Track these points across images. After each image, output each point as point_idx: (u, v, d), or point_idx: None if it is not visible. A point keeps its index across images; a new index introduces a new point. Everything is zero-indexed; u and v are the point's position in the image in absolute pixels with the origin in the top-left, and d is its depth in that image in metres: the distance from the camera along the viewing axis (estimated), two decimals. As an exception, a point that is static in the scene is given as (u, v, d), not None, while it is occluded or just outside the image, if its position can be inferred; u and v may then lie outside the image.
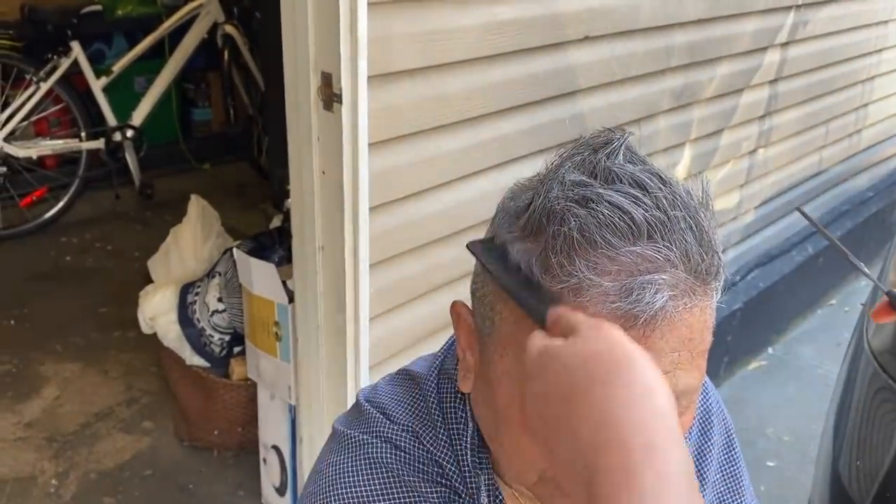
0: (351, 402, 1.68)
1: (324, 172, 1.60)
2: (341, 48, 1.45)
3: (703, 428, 0.82)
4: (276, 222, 2.31)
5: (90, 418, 2.59)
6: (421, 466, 0.67)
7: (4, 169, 3.57)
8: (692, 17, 2.27)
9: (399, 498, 0.66)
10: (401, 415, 0.70)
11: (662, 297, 0.56)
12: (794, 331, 3.28)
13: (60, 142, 3.78)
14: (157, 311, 2.43)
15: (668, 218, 0.57)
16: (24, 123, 3.62)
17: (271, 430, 2.16)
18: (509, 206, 0.62)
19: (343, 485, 0.67)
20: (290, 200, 1.79)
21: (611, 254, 0.56)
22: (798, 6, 2.74)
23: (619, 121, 2.15)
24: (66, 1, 3.68)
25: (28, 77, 3.56)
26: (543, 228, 0.58)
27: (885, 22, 3.39)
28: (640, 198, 0.57)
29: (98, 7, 3.79)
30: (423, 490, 0.66)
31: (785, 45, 2.76)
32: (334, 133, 1.53)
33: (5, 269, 3.41)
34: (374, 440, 0.69)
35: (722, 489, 0.83)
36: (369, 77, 1.50)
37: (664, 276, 0.56)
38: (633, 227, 0.56)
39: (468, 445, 0.68)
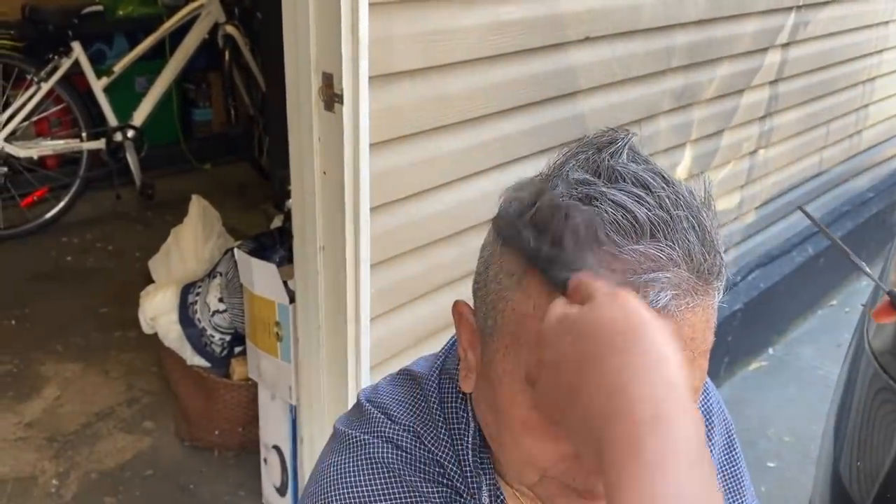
0: (352, 402, 1.68)
1: (325, 173, 1.60)
2: (342, 48, 1.45)
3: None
4: (276, 222, 2.31)
5: (91, 418, 2.59)
6: (422, 466, 0.68)
7: (5, 169, 3.57)
8: (693, 17, 2.27)
9: (400, 498, 0.66)
10: (402, 415, 0.71)
11: (666, 295, 0.56)
12: (794, 331, 3.28)
13: (61, 142, 3.78)
14: (157, 311, 2.44)
15: (671, 217, 0.57)
16: (25, 123, 3.62)
17: (272, 430, 2.17)
18: (513, 204, 0.62)
19: (344, 484, 0.67)
20: (290, 201, 1.80)
21: (614, 251, 0.56)
22: (798, 7, 2.74)
23: (620, 121, 2.15)
24: (67, 1, 3.68)
25: (29, 77, 3.57)
26: (549, 224, 0.58)
27: (886, 23, 3.39)
28: (644, 197, 0.57)
29: (99, 7, 3.79)
30: (425, 490, 0.66)
31: (785, 45, 2.76)
32: (335, 133, 1.53)
33: (6, 269, 3.41)
34: (376, 440, 0.69)
35: (723, 489, 0.83)
36: (370, 77, 1.50)
37: (667, 275, 0.56)
38: (637, 225, 0.56)
39: (469, 445, 0.68)
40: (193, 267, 2.53)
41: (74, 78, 3.69)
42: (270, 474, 2.22)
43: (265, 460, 2.23)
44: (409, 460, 0.68)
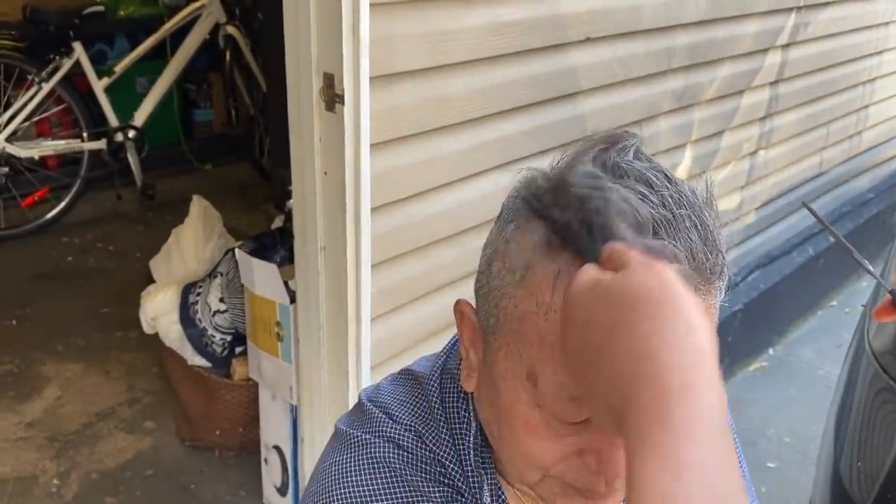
0: (352, 402, 1.68)
1: (326, 173, 1.60)
2: (343, 49, 1.46)
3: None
4: (277, 223, 2.31)
5: (92, 418, 2.60)
6: (424, 466, 0.68)
7: (6, 169, 3.58)
8: (693, 18, 2.27)
9: (402, 497, 0.66)
10: (403, 414, 0.71)
11: None
12: (794, 332, 3.29)
13: (62, 142, 3.78)
14: (158, 311, 2.44)
15: (674, 216, 0.58)
16: (27, 124, 3.62)
17: (273, 430, 2.17)
18: (538, 178, 0.62)
19: (346, 484, 0.67)
20: (291, 201, 1.80)
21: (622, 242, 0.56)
22: (799, 8, 2.75)
23: (621, 122, 2.15)
24: (68, 1, 3.68)
25: (30, 77, 3.57)
26: (578, 197, 0.58)
27: (886, 24, 3.40)
28: (647, 195, 0.58)
29: (100, 8, 3.80)
30: (426, 489, 0.67)
31: (786, 46, 2.76)
32: (336, 134, 1.53)
33: (7, 269, 3.42)
34: (377, 440, 0.69)
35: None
36: (371, 78, 1.50)
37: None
38: (640, 222, 0.56)
39: (471, 445, 0.68)
40: (194, 267, 2.54)
41: (75, 78, 3.70)
42: (271, 474, 2.22)
43: (266, 460, 2.23)
44: (410, 460, 0.68)
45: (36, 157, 3.68)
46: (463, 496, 0.67)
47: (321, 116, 1.56)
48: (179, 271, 2.55)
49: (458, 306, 0.68)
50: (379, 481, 0.66)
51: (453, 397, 0.70)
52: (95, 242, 3.68)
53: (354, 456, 0.68)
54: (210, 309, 2.35)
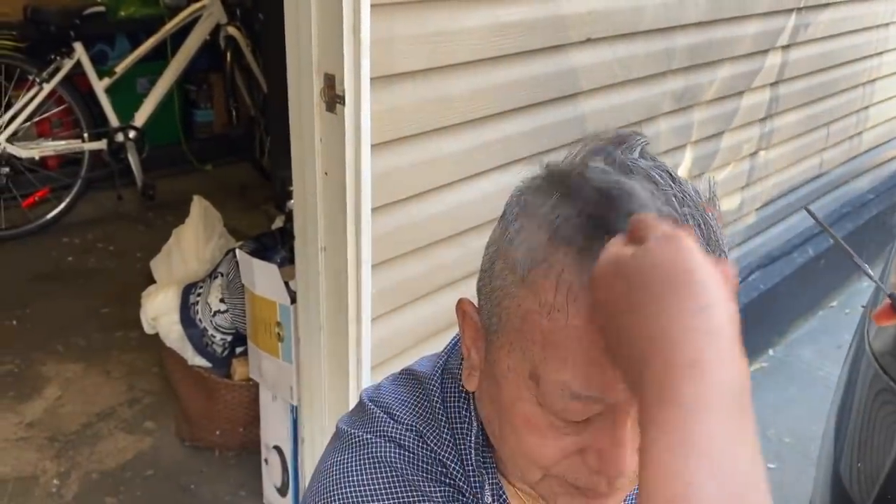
0: (353, 402, 1.68)
1: (326, 173, 1.60)
2: (344, 50, 1.46)
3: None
4: (278, 223, 2.31)
5: (92, 418, 2.60)
6: (425, 466, 0.68)
7: (7, 169, 3.58)
8: (693, 19, 2.27)
9: (403, 497, 0.66)
10: (405, 414, 0.71)
11: None
12: (795, 332, 3.29)
13: (63, 142, 3.78)
14: (159, 311, 2.44)
15: (678, 215, 0.58)
16: (27, 124, 3.62)
17: (273, 430, 2.17)
18: (533, 184, 0.63)
19: (347, 484, 0.67)
20: (292, 201, 1.80)
21: None
22: (799, 9, 2.75)
23: (621, 123, 2.16)
24: (69, 2, 3.69)
25: (31, 78, 3.57)
26: (571, 197, 0.59)
27: (886, 25, 3.40)
28: (653, 193, 0.58)
29: (101, 8, 3.80)
30: (427, 489, 0.67)
31: (786, 47, 2.76)
32: (337, 134, 1.54)
33: (8, 269, 3.42)
34: (378, 439, 0.69)
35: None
36: (372, 78, 1.51)
37: None
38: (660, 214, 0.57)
39: (472, 444, 0.68)
40: (195, 267, 2.54)
41: (76, 79, 3.70)
42: (271, 474, 2.22)
43: (266, 460, 2.23)
44: (411, 459, 0.68)
45: (36, 158, 3.68)
46: (464, 496, 0.68)
47: (322, 117, 1.56)
48: (180, 271, 2.55)
49: (461, 305, 0.68)
50: (380, 481, 0.66)
51: (454, 397, 0.70)
52: (96, 243, 3.69)
53: (356, 455, 0.69)
54: (210, 309, 2.35)
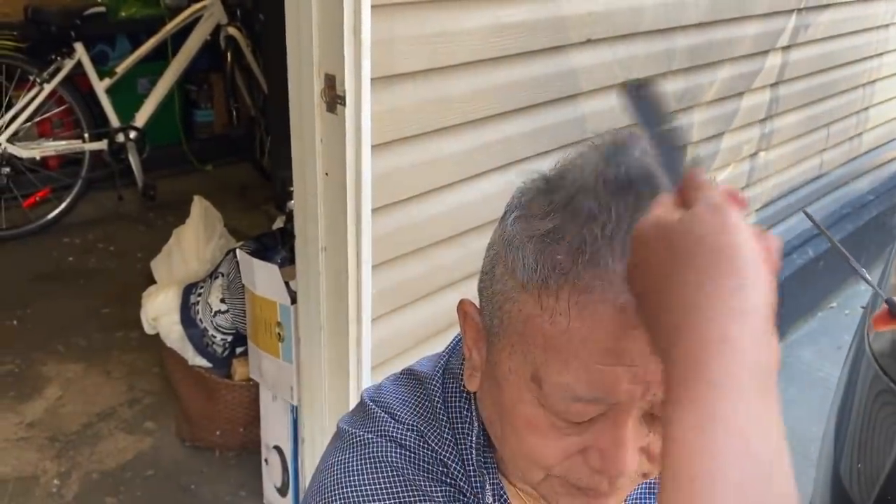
0: (353, 402, 1.69)
1: (327, 174, 1.60)
2: (345, 50, 1.46)
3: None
4: (278, 223, 2.31)
5: (92, 418, 2.60)
6: (426, 465, 0.68)
7: (8, 169, 3.58)
8: (693, 20, 2.28)
9: (404, 497, 0.66)
10: (406, 414, 0.71)
11: None
12: (794, 333, 3.29)
13: (63, 143, 3.78)
14: (159, 311, 2.44)
15: None
16: (28, 124, 3.63)
17: (273, 430, 2.17)
18: (530, 189, 0.63)
19: (348, 483, 0.67)
20: (292, 202, 1.80)
21: (626, 247, 0.56)
22: (799, 10, 2.75)
23: (621, 123, 2.16)
24: (69, 2, 3.69)
25: (32, 78, 3.57)
26: (571, 200, 0.58)
27: (886, 26, 3.40)
28: (652, 197, 0.58)
29: (102, 8, 3.81)
30: (429, 489, 0.67)
31: (786, 48, 2.77)
32: (337, 135, 1.54)
33: (8, 269, 3.42)
34: (380, 439, 0.69)
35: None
36: (373, 79, 1.51)
37: None
38: None
39: (473, 444, 0.68)
40: (195, 267, 2.54)
41: (77, 79, 3.70)
42: (271, 475, 2.22)
43: (266, 461, 2.23)
44: (412, 459, 0.68)
45: (37, 158, 3.68)
46: (465, 496, 0.68)
47: (322, 117, 1.56)
48: (180, 272, 2.56)
49: (462, 306, 0.68)
50: (381, 481, 0.67)
51: (456, 397, 0.70)
52: (96, 243, 3.69)
53: (357, 455, 0.69)
54: (211, 309, 2.35)
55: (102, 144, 3.77)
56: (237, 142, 4.27)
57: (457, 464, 0.68)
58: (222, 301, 2.34)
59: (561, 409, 0.59)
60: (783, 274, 3.10)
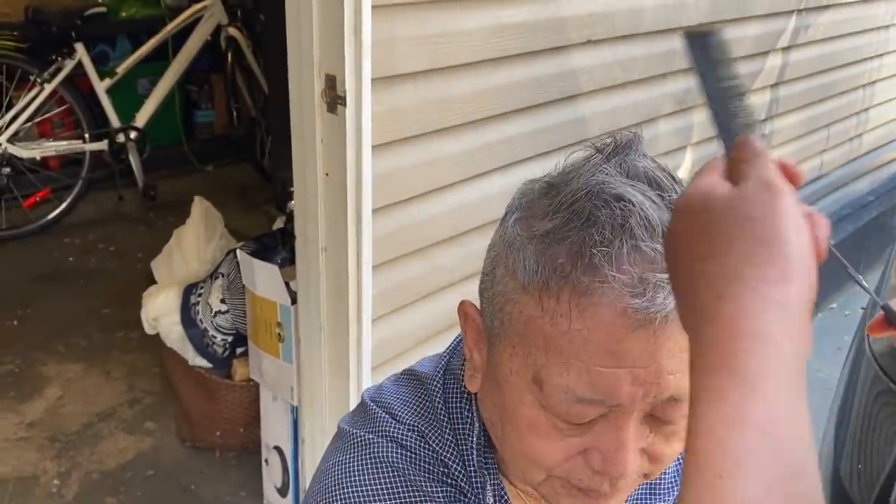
0: (353, 403, 1.69)
1: (327, 174, 1.60)
2: (345, 51, 1.46)
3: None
4: (278, 224, 2.31)
5: (92, 418, 2.60)
6: (427, 466, 0.68)
7: (8, 170, 3.58)
8: (694, 21, 2.28)
9: (404, 497, 0.66)
10: (406, 415, 0.71)
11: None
12: (794, 334, 3.28)
13: (64, 143, 3.78)
14: (160, 311, 2.44)
15: None
16: (28, 124, 3.63)
17: (273, 430, 2.17)
18: (531, 191, 0.62)
19: (348, 483, 0.67)
20: (293, 202, 1.80)
21: (636, 243, 0.56)
22: (799, 11, 2.75)
23: (622, 124, 2.16)
24: (70, 2, 3.69)
25: (32, 78, 3.57)
26: (571, 203, 0.58)
27: (886, 27, 3.40)
28: (654, 199, 0.58)
29: (102, 9, 3.81)
30: (429, 489, 0.67)
31: (786, 49, 2.77)
32: (338, 135, 1.54)
33: (9, 269, 3.42)
34: (380, 440, 0.69)
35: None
36: (373, 79, 1.51)
37: None
38: (650, 226, 0.57)
39: (474, 445, 0.68)
40: (195, 268, 2.54)
41: (77, 79, 3.70)
42: (271, 475, 2.22)
43: (266, 461, 2.23)
44: (413, 460, 0.68)
45: (37, 158, 3.68)
46: (466, 496, 0.68)
47: (323, 118, 1.56)
48: (181, 272, 2.56)
49: (463, 307, 0.68)
50: (382, 481, 0.67)
51: (456, 398, 0.70)
52: (97, 243, 3.69)
53: (358, 455, 0.69)
54: (211, 309, 2.35)
55: (103, 145, 3.77)
56: (238, 142, 4.28)
57: (457, 464, 0.68)
58: (222, 301, 2.34)
59: (562, 411, 0.59)
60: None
